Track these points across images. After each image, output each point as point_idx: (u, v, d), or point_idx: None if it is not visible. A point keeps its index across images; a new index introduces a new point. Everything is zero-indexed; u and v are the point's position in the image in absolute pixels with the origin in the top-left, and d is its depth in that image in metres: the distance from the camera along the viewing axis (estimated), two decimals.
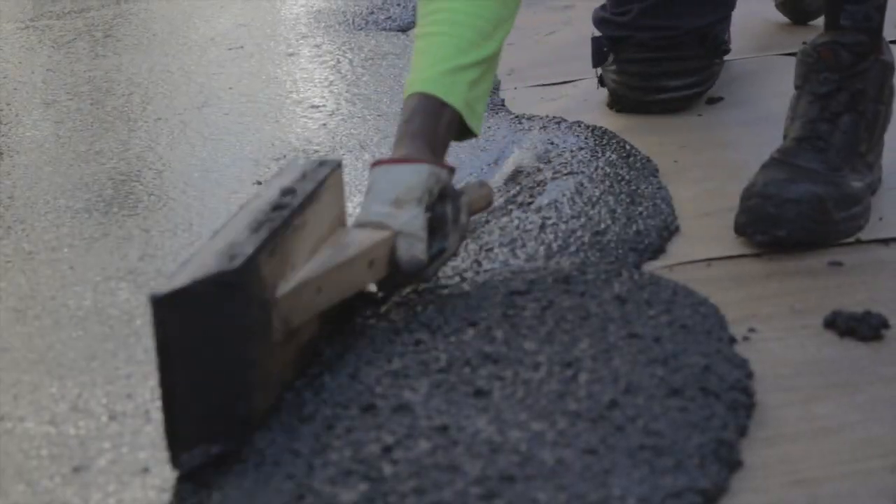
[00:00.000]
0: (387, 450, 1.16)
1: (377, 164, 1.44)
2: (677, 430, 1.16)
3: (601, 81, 2.08)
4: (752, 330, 1.36)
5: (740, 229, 1.53)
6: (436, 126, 1.47)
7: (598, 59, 2.05)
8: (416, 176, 1.41)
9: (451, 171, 1.46)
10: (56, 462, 1.20)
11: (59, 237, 1.74)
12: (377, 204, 1.40)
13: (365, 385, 1.26)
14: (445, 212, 1.43)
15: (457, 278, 1.49)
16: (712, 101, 2.05)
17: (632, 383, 1.23)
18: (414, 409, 1.22)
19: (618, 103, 2.05)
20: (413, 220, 1.39)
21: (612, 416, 1.18)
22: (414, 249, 1.39)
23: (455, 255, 1.52)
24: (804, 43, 1.65)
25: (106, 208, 1.83)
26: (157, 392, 1.30)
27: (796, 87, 1.64)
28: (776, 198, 1.49)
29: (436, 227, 1.43)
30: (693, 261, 1.54)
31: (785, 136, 1.61)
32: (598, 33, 2.05)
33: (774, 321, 1.38)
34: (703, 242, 1.58)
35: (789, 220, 1.49)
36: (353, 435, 1.18)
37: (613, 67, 2.04)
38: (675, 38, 1.99)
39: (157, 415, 1.27)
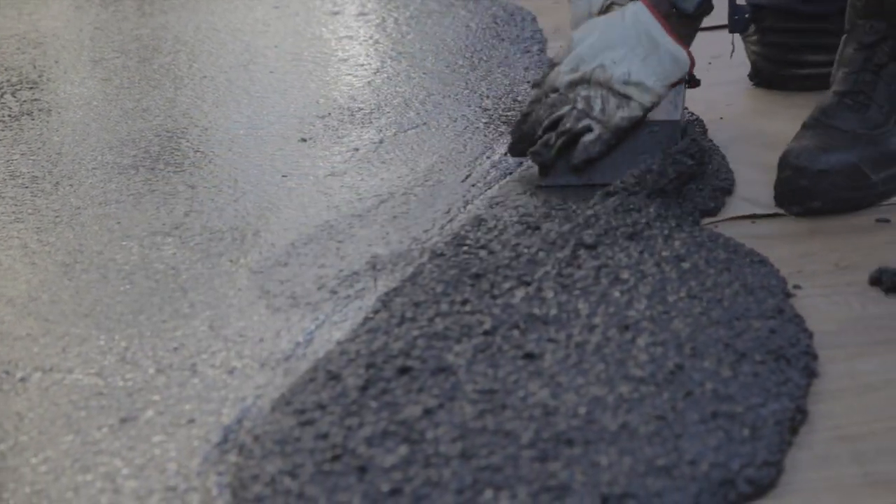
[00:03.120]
0: (428, 412, 1.12)
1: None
2: (751, 395, 1.13)
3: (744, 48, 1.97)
4: (796, 287, 1.35)
5: (777, 201, 1.53)
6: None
7: (736, 26, 1.85)
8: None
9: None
10: (104, 413, 1.22)
11: (106, 193, 1.76)
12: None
13: (400, 346, 1.24)
14: None
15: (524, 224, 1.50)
16: None
17: (696, 347, 1.20)
18: (456, 372, 1.19)
19: (756, 76, 1.96)
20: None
21: (679, 381, 1.15)
22: None
23: None
24: None
25: (152, 164, 1.85)
26: (203, 345, 1.32)
27: (846, 32, 1.61)
28: (807, 170, 1.49)
29: None
30: (738, 217, 1.53)
31: (830, 83, 1.59)
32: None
33: (819, 278, 1.38)
34: (749, 199, 1.57)
35: (823, 191, 1.48)
36: (388, 396, 1.16)
37: (755, 38, 1.94)
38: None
39: (203, 367, 1.28)
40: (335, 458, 1.08)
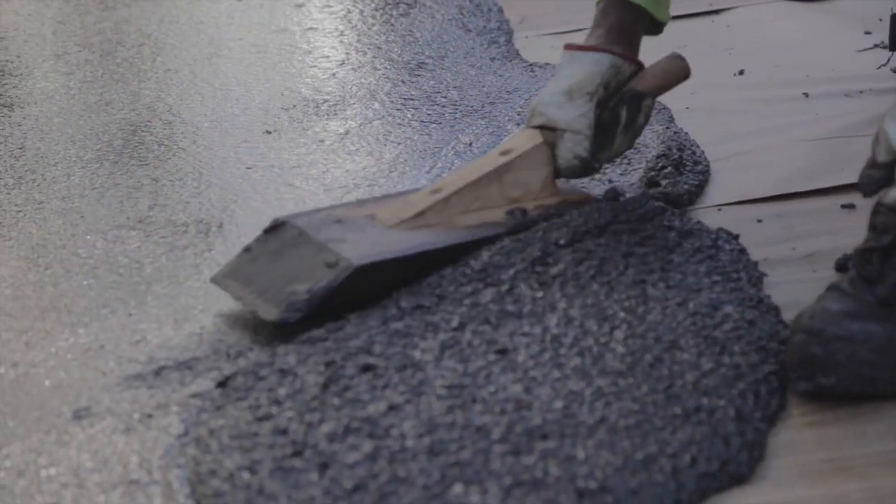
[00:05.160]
0: (393, 408, 1.10)
1: (568, 47, 1.46)
2: (732, 388, 1.12)
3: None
4: (763, 275, 1.35)
5: (787, 372, 1.17)
6: (626, 18, 1.46)
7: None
8: (595, 66, 1.43)
9: (639, 66, 1.47)
10: (68, 407, 1.21)
11: (69, 187, 1.74)
12: (551, 91, 1.43)
13: (360, 343, 1.20)
14: (619, 114, 1.45)
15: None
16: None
17: (676, 340, 1.18)
18: (423, 368, 1.15)
19: None
20: (581, 117, 1.42)
21: (658, 374, 1.13)
22: (577, 148, 1.41)
23: (622, 153, 1.51)
24: None
25: (116, 158, 1.83)
26: (166, 338, 1.31)
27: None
28: (823, 335, 1.14)
29: (606, 128, 1.44)
30: (704, 206, 1.53)
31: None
32: None
33: (785, 266, 1.38)
34: (716, 186, 1.57)
35: (840, 364, 1.13)
36: (351, 393, 1.13)
37: None
38: None
39: (165, 361, 1.27)
40: (295, 453, 1.06)
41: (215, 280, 1.39)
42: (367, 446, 1.06)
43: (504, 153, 1.43)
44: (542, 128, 1.43)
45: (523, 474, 1.01)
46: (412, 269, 1.33)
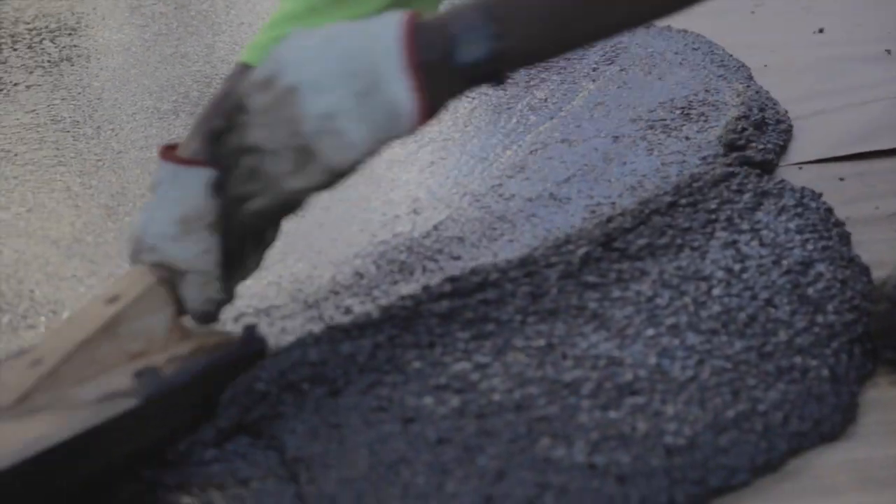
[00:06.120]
0: (480, 367, 1.08)
1: (164, 156, 1.14)
2: (825, 348, 1.10)
3: None
4: (849, 234, 1.34)
5: (873, 339, 1.15)
6: None
7: None
8: (206, 188, 1.11)
9: None
10: None
11: (147, 137, 1.75)
12: (161, 219, 1.12)
13: (416, 328, 1.14)
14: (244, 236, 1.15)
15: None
16: None
17: (770, 298, 1.16)
18: (502, 332, 1.12)
19: None
20: (205, 254, 1.12)
21: (752, 332, 1.12)
22: (209, 290, 1.13)
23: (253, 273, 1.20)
24: None
25: (192, 109, 1.84)
26: (246, 287, 1.30)
27: None
28: None
29: (234, 255, 1.15)
30: (784, 164, 1.52)
31: None
32: None
33: (868, 224, 1.36)
34: (796, 145, 1.56)
35: None
36: (430, 357, 1.09)
37: None
38: None
39: (245, 309, 1.28)
40: (379, 409, 1.05)
41: None
42: (455, 401, 1.04)
43: (111, 301, 1.11)
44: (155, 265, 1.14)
45: (610, 429, 1.01)
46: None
